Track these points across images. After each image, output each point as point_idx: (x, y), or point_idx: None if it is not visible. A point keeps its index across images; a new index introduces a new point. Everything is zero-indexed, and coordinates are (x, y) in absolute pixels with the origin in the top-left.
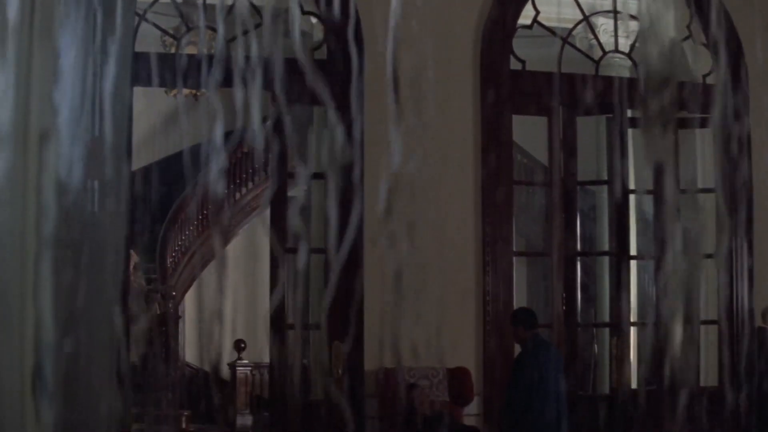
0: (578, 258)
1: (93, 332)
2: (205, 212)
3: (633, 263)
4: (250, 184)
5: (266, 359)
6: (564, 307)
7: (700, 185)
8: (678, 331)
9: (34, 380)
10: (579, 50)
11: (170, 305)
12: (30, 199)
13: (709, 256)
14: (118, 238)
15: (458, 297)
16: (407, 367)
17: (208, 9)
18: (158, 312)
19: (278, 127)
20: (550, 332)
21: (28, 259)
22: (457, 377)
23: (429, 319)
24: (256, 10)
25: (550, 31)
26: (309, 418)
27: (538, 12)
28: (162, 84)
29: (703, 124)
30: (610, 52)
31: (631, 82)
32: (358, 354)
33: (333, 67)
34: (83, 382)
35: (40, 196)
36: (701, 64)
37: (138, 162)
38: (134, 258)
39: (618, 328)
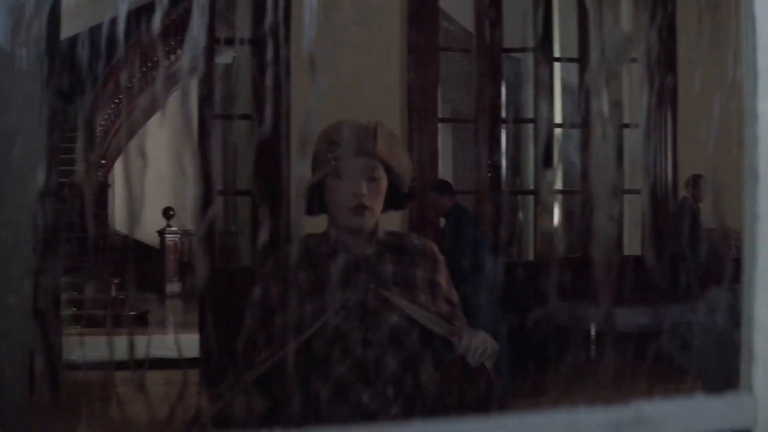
0: (503, 125)
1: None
2: (134, 80)
3: (558, 131)
4: (179, 51)
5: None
6: (489, 175)
7: (626, 55)
8: (601, 200)
9: None
10: None
11: (99, 173)
12: None
13: (635, 125)
14: (39, 102)
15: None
16: None
17: None
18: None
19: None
20: (476, 199)
21: None
22: None
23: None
24: None
25: None
26: (236, 283)
27: None
28: None
29: None
30: None
31: None
32: (285, 219)
33: None
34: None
35: None
36: None
37: (69, 30)
38: None
39: (542, 196)
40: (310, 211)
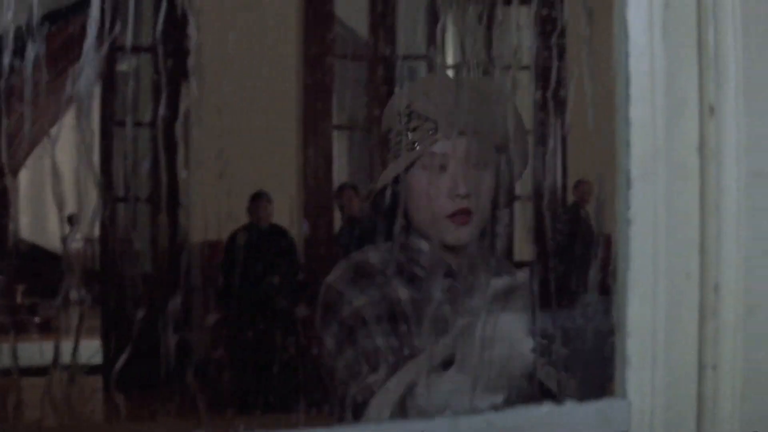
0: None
1: None
2: (38, 87)
3: None
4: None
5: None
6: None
7: (516, 63)
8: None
9: None
10: None
11: (4, 182)
12: None
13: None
14: None
15: (279, 170)
16: None
17: None
18: None
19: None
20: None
21: None
22: None
23: (250, 193)
24: None
25: None
26: (137, 290)
27: None
28: None
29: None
30: None
31: None
32: (183, 227)
33: None
34: None
35: None
36: None
37: None
38: None
39: None
40: (385, 212)
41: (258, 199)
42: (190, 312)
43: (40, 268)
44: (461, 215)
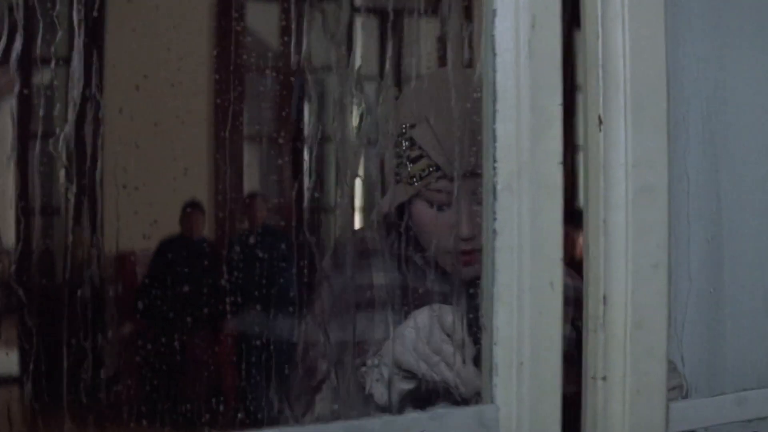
0: (305, 143)
1: None
2: None
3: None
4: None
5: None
6: (294, 192)
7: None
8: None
9: None
10: None
11: None
12: None
13: None
14: None
15: (189, 181)
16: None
17: None
18: None
19: (25, 8)
20: (282, 215)
21: None
22: None
23: (161, 203)
24: None
25: None
26: (54, 303)
27: None
28: None
29: (427, 12)
30: None
31: None
32: (97, 239)
33: None
34: None
35: None
36: None
37: None
38: None
39: (344, 212)
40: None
41: (191, 209)
42: (108, 325)
43: None
44: (467, 256)
